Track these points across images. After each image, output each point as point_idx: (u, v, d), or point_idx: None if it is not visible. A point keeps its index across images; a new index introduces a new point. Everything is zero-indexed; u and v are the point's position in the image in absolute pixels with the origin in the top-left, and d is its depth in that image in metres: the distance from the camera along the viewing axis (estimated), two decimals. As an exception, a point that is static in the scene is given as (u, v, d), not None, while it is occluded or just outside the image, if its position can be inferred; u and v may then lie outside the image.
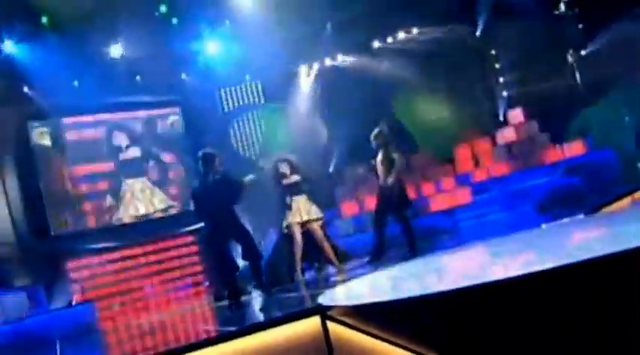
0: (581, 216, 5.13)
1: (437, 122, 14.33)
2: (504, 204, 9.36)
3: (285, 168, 6.96)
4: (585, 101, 12.97)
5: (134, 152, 12.70)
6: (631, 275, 2.15)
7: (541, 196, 9.38)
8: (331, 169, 14.09)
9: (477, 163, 11.49)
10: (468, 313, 2.43)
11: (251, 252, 6.17)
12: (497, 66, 14.54)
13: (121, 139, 12.78)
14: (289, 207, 6.83)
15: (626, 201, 5.97)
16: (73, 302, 9.45)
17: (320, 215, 7.00)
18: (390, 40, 14.47)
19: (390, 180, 6.64)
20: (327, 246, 6.90)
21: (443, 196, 9.87)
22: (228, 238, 6.13)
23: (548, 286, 2.31)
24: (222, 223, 5.94)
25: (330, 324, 3.05)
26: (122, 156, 12.65)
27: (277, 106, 14.10)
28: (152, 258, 12.40)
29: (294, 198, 6.85)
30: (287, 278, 6.92)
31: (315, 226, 6.90)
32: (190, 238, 12.46)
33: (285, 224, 6.90)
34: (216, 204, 5.95)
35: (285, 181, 6.95)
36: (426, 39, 14.20)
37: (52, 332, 7.42)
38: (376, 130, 7.00)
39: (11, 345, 7.25)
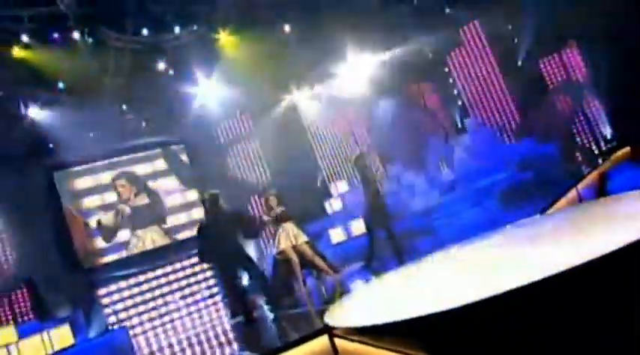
0: (537, 216, 5.23)
1: (405, 131, 14.53)
2: (471, 201, 9.47)
3: (272, 201, 7.04)
4: (529, 105, 13.24)
5: (142, 199, 12.57)
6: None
7: (502, 191, 9.53)
8: (318, 184, 14.22)
9: (443, 165, 11.63)
10: (470, 329, 2.43)
11: (256, 275, 6.22)
12: (450, 80, 14.78)
13: (128, 189, 12.60)
14: (279, 236, 6.90)
15: (571, 195, 6.12)
16: (109, 327, 9.36)
17: (306, 238, 7.08)
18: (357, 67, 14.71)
19: (377, 198, 6.76)
20: (318, 260, 6.96)
21: (417, 199, 9.97)
22: (237, 266, 6.18)
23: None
24: (230, 255, 6.01)
25: (337, 341, 3.10)
26: (131, 204, 12.45)
27: (264, 135, 14.21)
28: (172, 277, 12.37)
29: (282, 225, 6.92)
30: (290, 293, 6.98)
31: (305, 247, 6.95)
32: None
33: (278, 250, 6.91)
34: (224, 239, 6.03)
35: (272, 213, 7.01)
36: (391, 63, 14.46)
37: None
38: (358, 153, 7.09)
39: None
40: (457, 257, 4.01)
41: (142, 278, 12.03)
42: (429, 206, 9.83)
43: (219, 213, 6.19)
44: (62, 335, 7.64)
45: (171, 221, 12.65)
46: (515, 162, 10.70)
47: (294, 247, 6.83)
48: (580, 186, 6.66)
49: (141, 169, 12.88)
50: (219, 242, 6.05)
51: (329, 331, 3.12)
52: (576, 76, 13.15)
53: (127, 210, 12.30)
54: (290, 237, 6.83)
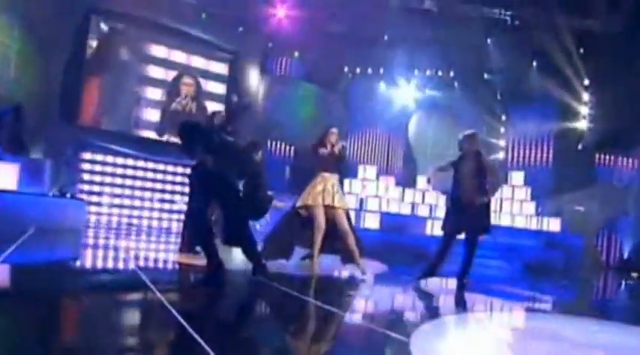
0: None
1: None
2: (497, 251, 7.62)
3: (332, 137, 4.74)
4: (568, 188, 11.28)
5: (194, 107, 10.36)
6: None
7: (527, 258, 7.75)
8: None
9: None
10: None
11: (236, 234, 3.86)
12: (502, 129, 12.79)
13: (191, 90, 10.45)
14: (312, 187, 4.64)
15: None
16: (68, 195, 7.26)
17: (345, 205, 4.82)
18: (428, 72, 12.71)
19: (485, 199, 4.48)
20: (351, 241, 4.62)
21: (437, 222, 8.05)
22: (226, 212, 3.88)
23: None
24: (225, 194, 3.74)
25: None
26: (176, 106, 10.22)
27: (315, 88, 12.09)
28: (159, 175, 10.33)
29: (324, 174, 4.66)
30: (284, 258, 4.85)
31: (342, 215, 4.65)
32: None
33: (301, 203, 4.64)
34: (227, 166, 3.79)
35: (336, 149, 4.71)
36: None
37: (32, 214, 5.35)
38: (470, 131, 4.89)
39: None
40: None
41: (132, 162, 10.01)
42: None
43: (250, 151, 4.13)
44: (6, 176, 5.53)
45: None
46: (543, 237, 8.89)
47: (327, 208, 4.55)
48: None
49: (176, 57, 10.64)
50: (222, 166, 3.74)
51: None
52: (625, 184, 11.28)
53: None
54: (327, 193, 4.53)
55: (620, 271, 9.90)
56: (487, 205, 4.60)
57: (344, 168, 4.97)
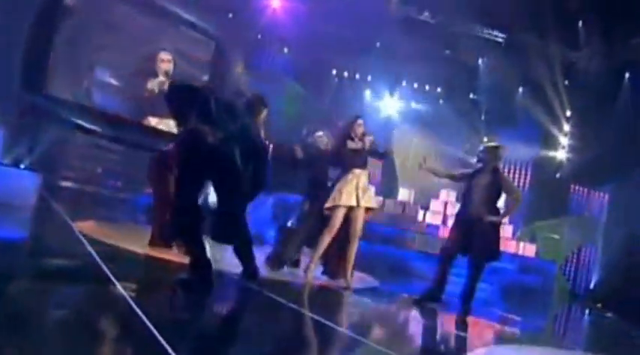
0: None
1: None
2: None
3: (359, 128, 4.25)
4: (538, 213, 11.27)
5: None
6: None
7: (504, 281, 7.52)
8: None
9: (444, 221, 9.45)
10: None
11: (229, 228, 3.12)
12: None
13: (169, 68, 9.39)
14: (345, 184, 4.07)
15: None
16: (22, 165, 6.44)
17: (374, 205, 4.30)
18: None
19: (494, 218, 4.16)
20: (354, 249, 4.16)
21: (421, 237, 7.75)
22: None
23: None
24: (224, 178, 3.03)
25: None
26: (152, 84, 9.19)
27: (301, 90, 11.58)
28: (125, 157, 9.50)
29: (355, 171, 4.14)
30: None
31: (360, 217, 4.13)
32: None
33: (333, 203, 4.06)
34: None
35: (367, 143, 4.21)
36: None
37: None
38: (493, 143, 4.52)
39: None
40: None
41: (98, 140, 9.13)
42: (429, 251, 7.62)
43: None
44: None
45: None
46: (518, 262, 8.75)
47: (351, 209, 4.03)
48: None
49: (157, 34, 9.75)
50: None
51: None
52: (594, 216, 11.40)
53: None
54: (361, 190, 4.03)
55: (585, 301, 9.94)
56: (496, 227, 4.23)
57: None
